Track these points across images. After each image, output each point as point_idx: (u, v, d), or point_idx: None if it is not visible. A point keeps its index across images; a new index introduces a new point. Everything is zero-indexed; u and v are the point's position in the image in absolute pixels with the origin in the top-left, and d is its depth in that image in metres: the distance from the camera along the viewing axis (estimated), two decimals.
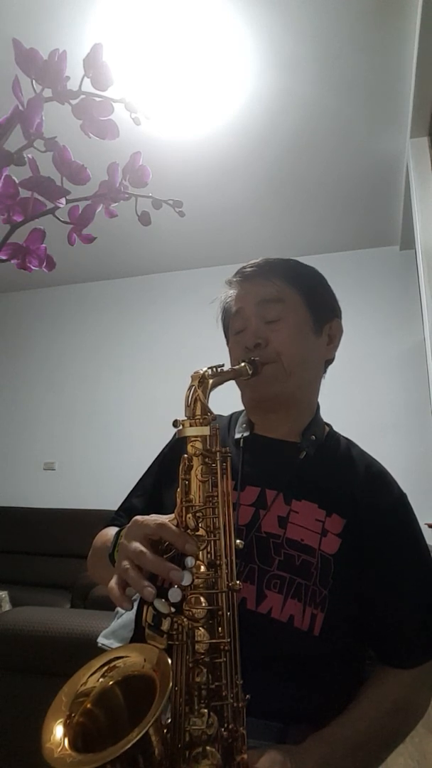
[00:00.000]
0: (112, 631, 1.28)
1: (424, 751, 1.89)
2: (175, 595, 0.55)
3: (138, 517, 0.62)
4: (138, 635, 0.76)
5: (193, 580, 0.57)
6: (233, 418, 0.91)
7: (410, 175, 2.46)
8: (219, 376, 0.68)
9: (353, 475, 0.79)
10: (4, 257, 0.63)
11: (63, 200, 0.60)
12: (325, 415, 0.89)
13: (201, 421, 0.63)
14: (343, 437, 0.87)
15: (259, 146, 2.55)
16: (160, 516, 0.62)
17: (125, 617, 1.25)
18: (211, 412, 0.65)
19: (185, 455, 0.63)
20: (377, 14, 1.87)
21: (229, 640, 0.56)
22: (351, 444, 0.86)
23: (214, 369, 0.68)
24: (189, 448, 0.63)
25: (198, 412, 0.64)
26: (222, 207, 3.05)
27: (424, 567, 0.75)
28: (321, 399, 0.88)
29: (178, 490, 0.62)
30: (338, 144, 2.55)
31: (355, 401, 3.21)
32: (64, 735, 0.48)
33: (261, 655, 0.64)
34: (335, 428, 0.89)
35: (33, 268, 0.64)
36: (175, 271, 3.90)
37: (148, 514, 0.65)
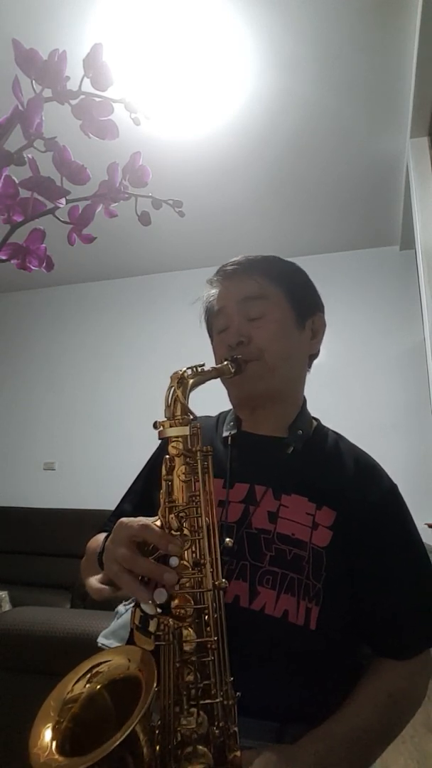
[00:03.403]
0: (112, 631, 1.27)
1: (424, 751, 1.89)
2: (160, 596, 0.55)
3: (123, 519, 0.62)
4: (130, 637, 0.76)
5: (178, 581, 0.56)
6: (221, 417, 0.92)
7: (410, 175, 2.46)
8: (200, 376, 0.69)
9: (342, 468, 0.79)
10: (4, 257, 0.63)
11: (63, 200, 0.60)
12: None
13: (181, 421, 0.64)
14: (332, 431, 0.87)
15: (259, 146, 2.55)
16: (145, 518, 0.62)
17: (125, 617, 1.25)
18: (191, 412, 0.65)
19: (167, 456, 0.64)
20: (377, 14, 1.87)
21: (216, 638, 0.56)
22: (340, 437, 0.86)
23: (195, 369, 0.69)
24: (170, 449, 0.64)
25: (178, 412, 0.65)
26: (222, 207, 3.05)
27: (416, 557, 0.75)
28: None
29: (162, 491, 0.62)
30: (338, 144, 2.55)
31: (355, 401, 3.21)
32: (52, 739, 0.48)
33: (256, 652, 0.64)
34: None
35: (33, 268, 0.64)
36: (175, 271, 3.89)
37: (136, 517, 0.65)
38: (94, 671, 0.54)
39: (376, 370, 3.34)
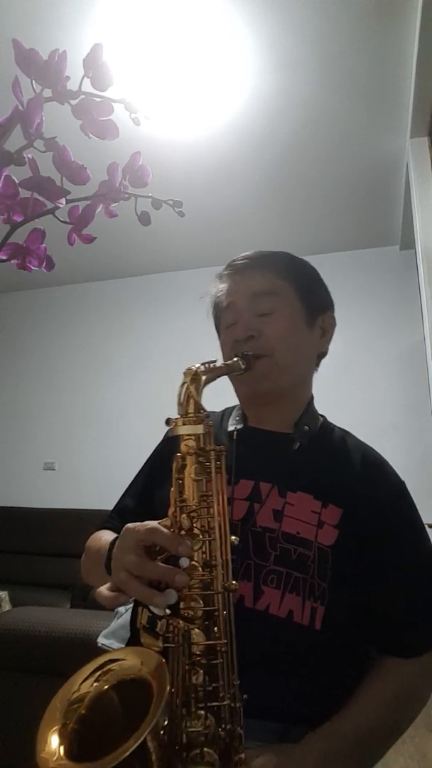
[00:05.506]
0: (112, 631, 1.28)
1: (424, 751, 1.89)
2: (170, 597, 0.54)
3: (129, 525, 0.61)
4: (134, 638, 0.76)
5: (188, 582, 0.56)
6: (226, 412, 0.91)
7: (410, 175, 2.46)
8: (211, 372, 0.67)
9: (349, 465, 0.78)
10: (4, 257, 0.63)
11: (63, 200, 0.60)
12: (325, 414, 0.88)
13: (194, 419, 0.62)
14: (339, 428, 0.86)
15: (259, 146, 2.55)
16: (152, 521, 0.61)
17: (125, 617, 1.25)
18: (204, 410, 0.64)
19: (178, 454, 0.62)
20: (377, 14, 1.87)
21: (225, 641, 0.55)
22: (346, 434, 0.85)
23: (207, 365, 0.67)
24: (182, 447, 0.62)
25: (191, 409, 0.63)
26: (222, 207, 3.05)
27: (424, 556, 0.74)
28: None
29: (172, 489, 0.61)
30: (338, 144, 2.55)
31: (355, 401, 3.21)
32: (60, 743, 0.47)
33: (261, 653, 0.63)
34: None
35: (33, 268, 0.64)
36: (175, 271, 3.89)
37: (140, 514, 0.64)
38: (104, 669, 0.53)
39: (376, 370, 3.34)
